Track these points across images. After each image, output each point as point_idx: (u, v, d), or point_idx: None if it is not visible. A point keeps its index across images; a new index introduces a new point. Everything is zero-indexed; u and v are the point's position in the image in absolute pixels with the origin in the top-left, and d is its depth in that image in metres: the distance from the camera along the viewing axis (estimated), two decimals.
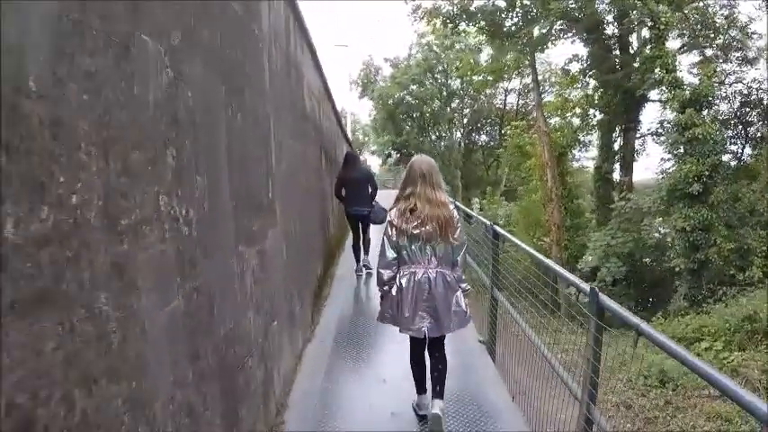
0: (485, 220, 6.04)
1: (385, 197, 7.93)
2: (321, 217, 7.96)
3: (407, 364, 3.81)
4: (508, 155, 26.81)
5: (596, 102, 22.17)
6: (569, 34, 21.05)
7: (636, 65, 19.74)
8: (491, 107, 41.21)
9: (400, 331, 3.52)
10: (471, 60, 29.93)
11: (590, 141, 24.65)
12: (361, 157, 11.67)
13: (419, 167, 3.47)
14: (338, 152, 12.03)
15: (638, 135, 22.63)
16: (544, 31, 19.98)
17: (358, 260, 8.27)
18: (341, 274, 8.44)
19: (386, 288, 3.50)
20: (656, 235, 16.83)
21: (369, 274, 8.01)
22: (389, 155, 43.73)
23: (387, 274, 3.46)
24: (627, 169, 22.17)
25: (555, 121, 25.20)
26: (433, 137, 42.63)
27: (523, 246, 4.87)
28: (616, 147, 23.61)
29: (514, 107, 40.52)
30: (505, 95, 40.82)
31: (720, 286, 14.76)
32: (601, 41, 21.24)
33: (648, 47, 17.88)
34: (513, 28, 20.64)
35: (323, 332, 5.87)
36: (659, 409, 8.58)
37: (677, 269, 15.65)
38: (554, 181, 19.59)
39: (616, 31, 21.39)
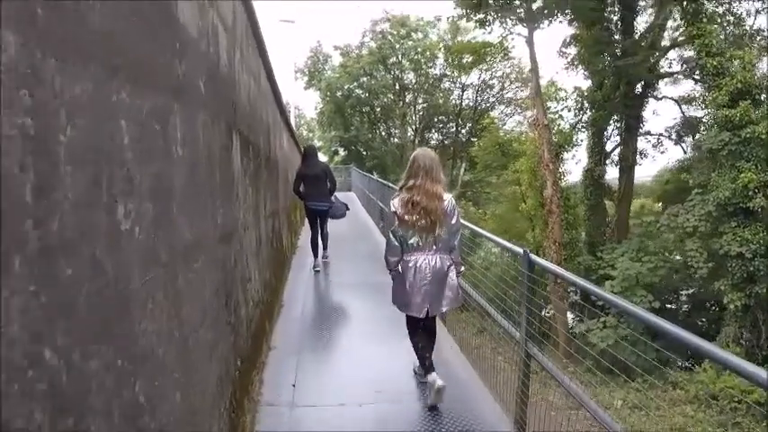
0: (511, 247, 4.41)
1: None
2: (218, 302, 3.29)
3: None
4: (484, 153, 22.93)
5: (592, 95, 18.63)
6: (567, 11, 17.37)
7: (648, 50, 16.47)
8: (447, 103, 37.87)
9: (403, 311, 3.84)
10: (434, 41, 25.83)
11: (581, 140, 21.04)
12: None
13: (422, 161, 3.69)
14: (275, 145, 7.62)
15: (640, 134, 19.33)
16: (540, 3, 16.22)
17: (316, 255, 8.30)
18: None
19: (393, 272, 3.81)
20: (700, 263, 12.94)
21: (326, 263, 8.43)
22: (336, 152, 39.76)
23: (392, 260, 3.77)
24: (628, 173, 18.86)
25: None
26: (384, 133, 39.33)
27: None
28: (608, 147, 20.53)
29: (471, 104, 37.34)
30: (462, 91, 37.47)
31: None
32: (601, 22, 17.83)
33: (678, 26, 14.41)
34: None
35: None
36: None
37: (731, 306, 12.17)
38: (555, 187, 15.90)
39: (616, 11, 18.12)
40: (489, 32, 18.07)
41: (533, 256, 3.68)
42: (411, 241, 3.67)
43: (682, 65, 17.37)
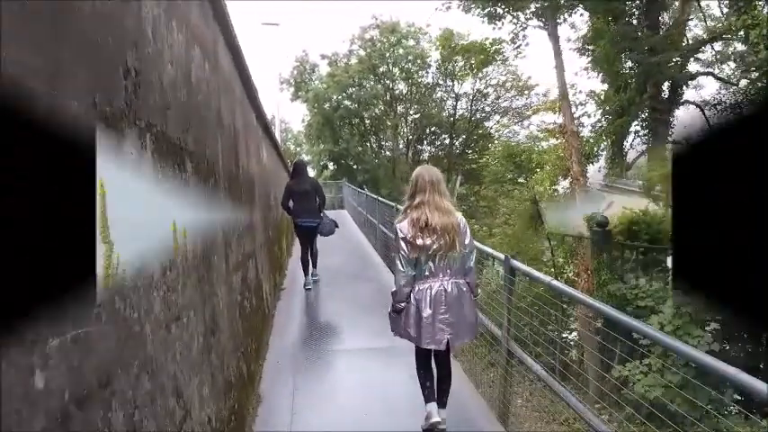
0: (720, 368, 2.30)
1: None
2: None
3: None
4: (493, 163, 20.70)
5: (619, 98, 16.44)
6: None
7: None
8: (440, 113, 35.81)
9: (419, 345, 3.41)
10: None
11: (601, 150, 18.86)
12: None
13: (427, 175, 3.42)
14: (249, 158, 5.47)
15: (668, 142, 17.17)
16: None
17: (306, 274, 8.21)
18: None
19: (402, 305, 3.40)
20: None
21: (315, 281, 8.29)
22: (326, 166, 37.51)
23: (405, 290, 3.38)
24: None
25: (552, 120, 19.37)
26: (375, 146, 37.29)
27: None
28: (630, 157, 18.48)
29: (465, 114, 35.25)
30: (456, 100, 35.45)
31: None
32: (624, 16, 15.74)
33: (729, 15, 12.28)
34: None
35: None
36: None
37: None
38: None
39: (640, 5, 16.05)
40: (500, 28, 15.92)
41: None
42: (424, 267, 3.33)
43: (735, 60, 15.20)
